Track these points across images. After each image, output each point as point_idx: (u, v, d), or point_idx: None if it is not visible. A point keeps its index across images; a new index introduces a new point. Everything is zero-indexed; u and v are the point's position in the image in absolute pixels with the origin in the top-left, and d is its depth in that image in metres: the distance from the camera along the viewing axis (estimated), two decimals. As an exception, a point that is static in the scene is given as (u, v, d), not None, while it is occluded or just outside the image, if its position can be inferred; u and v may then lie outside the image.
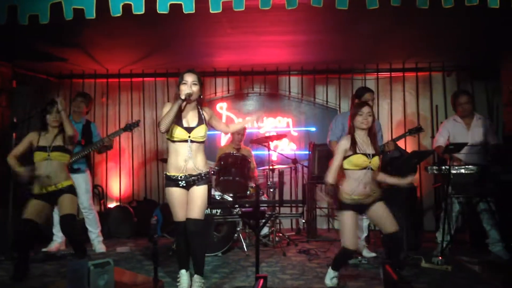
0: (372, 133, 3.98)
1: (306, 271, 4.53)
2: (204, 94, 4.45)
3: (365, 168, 3.84)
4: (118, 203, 6.97)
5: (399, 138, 5.14)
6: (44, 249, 5.33)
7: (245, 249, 5.25)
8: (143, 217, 6.46)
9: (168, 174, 3.80)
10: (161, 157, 6.88)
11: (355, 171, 3.85)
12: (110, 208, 6.71)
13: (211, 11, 3.37)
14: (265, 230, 5.99)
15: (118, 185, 7.22)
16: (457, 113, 5.31)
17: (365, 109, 3.94)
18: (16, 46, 5.48)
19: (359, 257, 4.83)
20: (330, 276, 4.00)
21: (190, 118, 3.80)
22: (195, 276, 3.75)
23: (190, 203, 3.75)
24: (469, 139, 5.08)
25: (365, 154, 3.85)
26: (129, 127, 5.46)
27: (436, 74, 6.88)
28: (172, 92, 7.23)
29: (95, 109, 7.04)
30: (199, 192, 3.77)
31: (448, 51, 5.95)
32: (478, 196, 4.87)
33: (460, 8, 3.36)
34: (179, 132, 3.72)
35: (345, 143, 3.89)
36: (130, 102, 7.26)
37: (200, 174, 3.77)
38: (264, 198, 5.85)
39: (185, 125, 3.75)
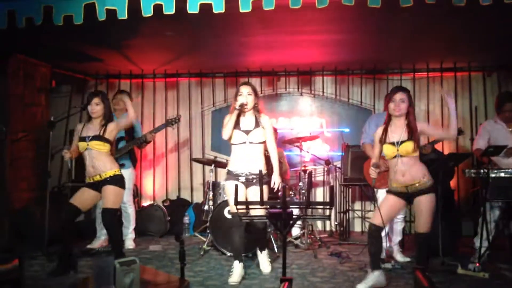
0: (411, 120, 3.88)
1: (337, 274, 4.45)
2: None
3: (394, 157, 3.84)
4: (152, 202, 7.06)
5: (437, 141, 4.99)
6: (88, 246, 5.45)
7: (276, 251, 5.22)
8: (176, 216, 6.52)
9: (230, 169, 4.31)
10: (194, 157, 6.93)
11: (390, 160, 3.92)
12: (144, 206, 6.80)
13: (240, 11, 3.36)
14: (296, 232, 5.95)
15: (152, 183, 7.31)
16: (498, 116, 5.08)
17: (398, 96, 3.88)
18: (54, 47, 5.62)
19: (393, 262, 4.73)
20: (366, 280, 3.93)
21: (248, 123, 4.28)
22: (263, 252, 4.53)
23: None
24: (511, 142, 4.87)
25: (391, 143, 3.84)
26: (171, 122, 5.55)
27: (476, 74, 6.66)
28: (206, 91, 7.30)
29: (130, 108, 7.14)
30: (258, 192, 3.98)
31: (488, 50, 5.72)
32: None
33: (499, 5, 3.22)
34: (237, 135, 4.22)
35: (378, 133, 4.00)
36: (164, 101, 7.34)
37: (261, 172, 3.92)
38: (296, 199, 5.81)
39: (243, 128, 4.25)
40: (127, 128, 4.70)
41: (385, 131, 3.93)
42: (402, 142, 3.81)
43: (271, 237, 5.36)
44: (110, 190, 4.39)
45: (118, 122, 4.63)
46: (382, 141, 3.92)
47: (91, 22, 3.53)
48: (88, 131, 4.46)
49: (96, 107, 4.46)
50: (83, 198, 4.42)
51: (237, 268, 4.18)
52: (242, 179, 4.22)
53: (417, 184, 3.82)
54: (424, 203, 3.82)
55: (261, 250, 4.53)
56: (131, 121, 4.67)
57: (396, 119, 3.91)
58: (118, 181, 4.44)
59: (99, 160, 4.40)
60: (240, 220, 4.05)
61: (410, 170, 3.82)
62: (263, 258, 4.50)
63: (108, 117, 4.53)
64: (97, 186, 4.41)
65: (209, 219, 5.39)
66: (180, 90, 7.36)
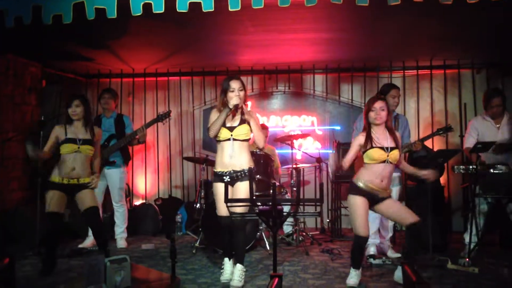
0: (389, 126, 4.00)
1: (328, 271, 4.49)
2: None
3: (383, 161, 3.85)
4: (144, 201, 7.06)
5: (427, 137, 5.02)
6: (80, 245, 5.43)
7: (268, 248, 5.24)
8: (168, 214, 6.52)
9: (215, 170, 4.12)
10: (185, 155, 6.93)
11: (373, 165, 3.89)
12: (136, 205, 6.80)
13: (230, 9, 3.37)
14: (288, 229, 5.98)
15: (143, 182, 7.31)
16: (487, 112, 5.13)
17: (377, 104, 3.93)
18: (45, 47, 5.61)
19: (384, 258, 4.76)
20: (351, 276, 3.96)
21: (233, 119, 4.06)
22: (237, 265, 4.02)
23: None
24: (499, 138, 4.92)
25: (382, 148, 3.86)
26: (161, 118, 5.52)
27: (465, 71, 6.71)
28: (196, 90, 7.31)
29: (121, 107, 7.14)
30: (243, 187, 3.98)
31: (477, 47, 5.78)
32: (507, 196, 4.72)
33: (487, 3, 3.26)
34: (222, 132, 4.01)
35: (360, 139, 3.96)
36: (155, 100, 7.34)
37: (243, 170, 4.00)
38: (287, 197, 5.83)
39: (227, 125, 4.03)
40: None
41: (368, 137, 3.92)
42: (392, 148, 3.88)
43: (263, 234, 5.39)
44: (88, 194, 4.46)
45: (100, 135, 4.77)
46: (366, 146, 3.88)
47: (80, 21, 3.53)
48: (77, 134, 4.46)
49: (76, 109, 4.47)
50: (59, 201, 4.39)
51: (228, 265, 4.14)
52: (227, 179, 4.03)
53: (388, 191, 3.95)
54: (393, 202, 4.01)
55: (237, 261, 4.05)
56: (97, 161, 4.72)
57: (376, 127, 3.96)
58: (89, 185, 4.51)
59: (83, 164, 4.44)
60: (241, 221, 4.02)
61: (389, 177, 3.93)
62: (236, 272, 4.00)
63: (88, 120, 4.56)
64: (69, 188, 4.41)
65: (201, 217, 5.41)
66: (171, 89, 7.36)
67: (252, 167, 4.07)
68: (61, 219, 4.43)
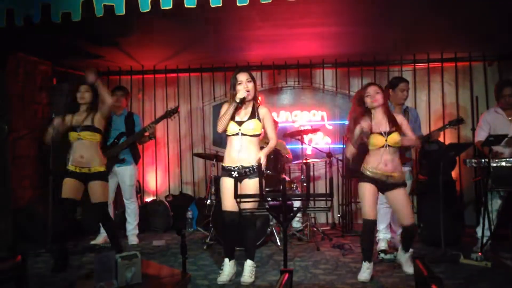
0: (387, 109, 4.06)
1: (340, 266, 4.47)
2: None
3: (382, 146, 3.95)
4: (155, 197, 7.09)
5: (439, 130, 5.00)
6: (92, 242, 5.47)
7: (278, 243, 5.23)
8: (179, 211, 6.54)
9: (223, 165, 4.07)
10: (195, 152, 6.94)
11: (375, 150, 4.00)
12: (147, 202, 6.82)
13: (238, 4, 3.34)
14: (297, 225, 5.97)
15: (154, 179, 7.34)
16: (498, 104, 5.07)
17: (371, 89, 4.03)
18: (54, 45, 5.63)
19: (395, 253, 4.73)
20: (363, 271, 3.96)
21: (243, 113, 4.00)
22: (248, 261, 4.03)
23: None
24: (511, 131, 4.86)
25: (380, 133, 3.96)
26: (169, 114, 5.52)
27: (477, 64, 6.62)
28: (206, 86, 7.31)
29: (131, 104, 7.16)
30: (251, 185, 3.93)
31: (489, 39, 5.69)
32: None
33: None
34: (230, 126, 3.95)
35: (361, 125, 4.03)
36: (165, 97, 7.35)
37: (252, 166, 3.95)
38: (298, 192, 5.82)
39: (237, 119, 3.98)
40: (108, 113, 4.61)
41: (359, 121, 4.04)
42: (390, 132, 3.95)
43: (274, 230, 5.38)
44: (98, 185, 4.45)
45: (101, 111, 4.57)
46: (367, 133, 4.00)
47: (89, 19, 3.53)
48: (79, 121, 4.47)
49: (85, 94, 4.49)
50: (74, 188, 4.41)
51: (227, 267, 4.03)
52: (235, 174, 3.96)
53: (396, 175, 3.97)
54: (402, 196, 4.02)
55: (247, 258, 4.07)
56: (109, 106, 4.56)
57: (375, 111, 4.04)
58: (104, 176, 4.52)
59: (89, 151, 4.44)
60: (251, 217, 3.99)
61: (393, 161, 3.98)
62: (247, 268, 4.03)
63: (94, 106, 4.54)
64: (82, 177, 4.43)
65: (211, 213, 5.42)
66: (181, 85, 7.37)
67: (260, 163, 3.98)
68: (74, 207, 4.46)
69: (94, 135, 4.47)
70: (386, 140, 3.94)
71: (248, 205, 3.77)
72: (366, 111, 4.06)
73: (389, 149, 3.95)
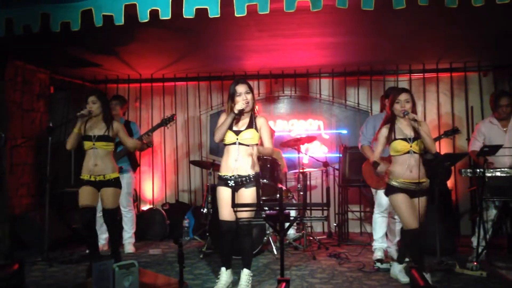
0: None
1: (336, 275, 4.48)
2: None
3: (407, 152, 3.92)
4: (151, 206, 7.08)
5: (435, 139, 5.02)
6: (88, 251, 5.47)
7: (275, 252, 5.24)
8: (175, 219, 6.54)
9: (219, 174, 4.06)
10: (192, 160, 6.94)
11: (399, 156, 3.98)
12: (143, 210, 6.83)
13: (236, 15, 3.38)
14: (293, 233, 5.97)
15: (151, 187, 7.34)
16: (494, 114, 5.13)
17: (403, 96, 4.01)
18: (53, 54, 5.66)
19: (391, 262, 4.74)
20: (397, 271, 4.10)
21: (240, 123, 4.02)
22: (244, 270, 4.01)
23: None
24: (506, 141, 4.91)
25: (404, 139, 3.94)
26: (166, 122, 5.52)
27: (472, 74, 6.68)
28: (203, 95, 7.33)
29: (129, 113, 7.18)
30: (247, 194, 3.93)
31: (484, 50, 5.75)
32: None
33: (492, 5, 3.25)
34: (228, 135, 3.96)
35: (383, 131, 4.07)
36: (162, 106, 7.38)
37: (248, 175, 3.94)
38: (294, 201, 5.84)
39: (234, 128, 3.99)
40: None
41: (391, 130, 4.03)
42: (415, 139, 3.94)
43: (270, 239, 5.39)
44: (111, 192, 4.49)
45: (123, 130, 4.66)
46: (390, 139, 4.01)
47: (88, 28, 3.56)
48: (93, 130, 4.51)
49: (93, 106, 4.50)
50: (91, 195, 4.45)
51: (224, 276, 4.01)
52: (231, 183, 3.95)
53: (424, 182, 3.95)
54: (423, 203, 3.99)
55: (244, 266, 4.05)
56: (130, 147, 4.77)
57: (401, 118, 4.04)
58: (118, 183, 4.56)
59: (104, 160, 4.48)
60: (248, 226, 4.01)
61: (417, 166, 3.92)
62: (243, 277, 4.00)
63: (108, 115, 4.59)
64: (97, 185, 4.46)
65: (208, 222, 5.42)
66: (178, 94, 7.40)
67: (259, 172, 4.03)
68: (93, 213, 4.49)
69: (109, 145, 4.53)
70: (410, 146, 3.92)
71: (245, 214, 3.79)
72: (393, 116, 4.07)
73: (414, 156, 3.93)
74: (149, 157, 7.33)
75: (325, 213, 3.17)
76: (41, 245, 5.12)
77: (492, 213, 4.86)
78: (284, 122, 7.10)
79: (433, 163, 5.00)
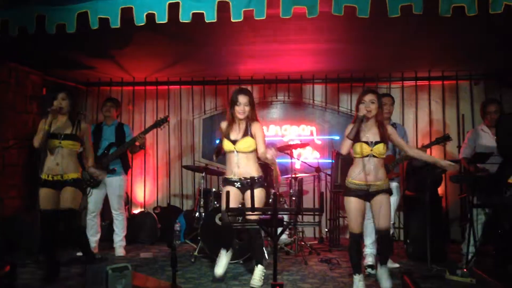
0: (380, 120, 3.94)
1: (327, 281, 4.49)
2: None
3: (366, 156, 3.86)
4: (142, 209, 7.06)
5: (426, 146, 5.07)
6: (78, 253, 5.42)
7: (267, 257, 5.24)
8: (167, 223, 6.52)
9: (226, 176, 4.35)
10: (185, 164, 6.94)
11: (358, 159, 3.91)
12: (134, 213, 6.80)
13: (232, 20, 3.41)
14: (285, 238, 5.98)
15: (142, 191, 7.32)
16: (484, 122, 5.20)
17: (367, 97, 3.92)
18: (47, 56, 5.64)
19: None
20: (356, 283, 3.95)
21: (236, 132, 4.28)
22: (258, 265, 4.24)
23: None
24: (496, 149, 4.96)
25: (366, 142, 3.86)
26: (159, 123, 5.51)
27: (463, 82, 6.77)
28: (196, 99, 7.34)
29: (121, 116, 7.15)
30: (255, 194, 3.93)
31: (475, 58, 5.83)
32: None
33: (485, 16, 3.31)
34: (226, 144, 4.24)
35: (348, 128, 3.93)
36: (155, 109, 7.37)
37: (253, 178, 4.12)
38: (286, 206, 5.85)
39: (231, 137, 4.25)
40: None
41: (358, 130, 3.88)
42: (377, 142, 3.87)
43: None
44: (71, 192, 4.35)
45: (88, 132, 4.61)
46: (356, 139, 3.87)
47: (83, 30, 3.56)
48: (59, 129, 4.39)
49: (62, 102, 4.40)
50: (51, 198, 4.33)
51: (223, 258, 4.21)
52: (238, 184, 4.25)
53: (378, 183, 3.88)
54: (384, 200, 3.89)
55: (258, 263, 4.27)
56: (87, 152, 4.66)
57: (366, 120, 3.93)
58: (78, 184, 4.43)
59: (67, 159, 4.37)
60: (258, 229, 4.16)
61: (375, 171, 3.87)
62: (257, 272, 4.22)
63: (74, 115, 4.50)
64: (55, 184, 4.35)
65: (200, 226, 5.41)
66: (171, 98, 7.40)
67: (261, 175, 4.26)
68: (53, 217, 4.33)
69: (75, 144, 4.43)
70: (371, 150, 3.85)
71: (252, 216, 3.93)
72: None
73: (373, 160, 3.86)
74: (141, 160, 7.31)
75: (317, 218, 3.21)
76: (31, 247, 5.08)
77: (482, 220, 4.91)
78: (277, 127, 7.12)
79: (423, 170, 5.06)
